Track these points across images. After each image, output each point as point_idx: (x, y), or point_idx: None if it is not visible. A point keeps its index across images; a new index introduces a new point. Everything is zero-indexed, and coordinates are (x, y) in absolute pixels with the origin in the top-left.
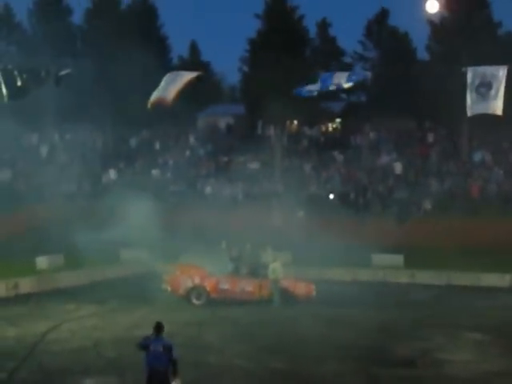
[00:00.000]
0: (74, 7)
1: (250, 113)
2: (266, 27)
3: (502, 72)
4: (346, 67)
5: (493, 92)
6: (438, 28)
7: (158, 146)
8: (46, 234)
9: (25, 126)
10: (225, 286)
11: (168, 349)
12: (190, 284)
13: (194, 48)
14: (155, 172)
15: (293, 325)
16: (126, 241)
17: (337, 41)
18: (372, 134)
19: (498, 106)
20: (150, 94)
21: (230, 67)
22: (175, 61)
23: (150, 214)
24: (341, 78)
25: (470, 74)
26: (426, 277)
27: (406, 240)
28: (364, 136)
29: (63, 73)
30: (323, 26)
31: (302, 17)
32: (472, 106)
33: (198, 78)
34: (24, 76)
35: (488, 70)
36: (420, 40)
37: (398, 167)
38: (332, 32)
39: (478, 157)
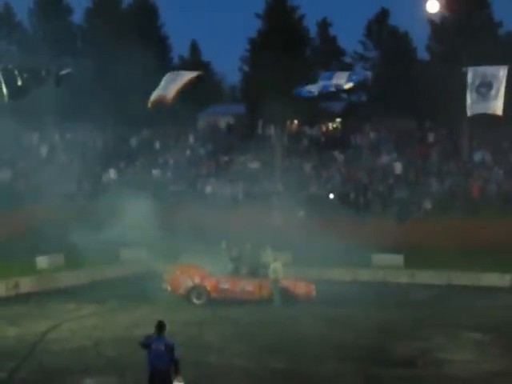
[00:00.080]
0: (74, 6)
1: (251, 112)
2: (266, 27)
3: (502, 72)
4: (347, 67)
5: (493, 92)
6: (439, 28)
7: (158, 145)
8: (46, 233)
9: (25, 125)
10: (225, 285)
11: (170, 348)
12: (190, 284)
13: (194, 48)
14: (155, 172)
15: (293, 325)
16: (126, 240)
17: (337, 41)
18: (372, 134)
19: (498, 106)
20: (150, 94)
21: (230, 67)
22: (175, 60)
23: (150, 213)
24: (341, 78)
25: (471, 73)
26: (426, 277)
27: (406, 240)
28: (364, 136)
29: (63, 72)
30: (323, 25)
31: (302, 16)
32: (472, 105)
33: (198, 78)
34: (24, 75)
35: (488, 69)
36: (420, 40)
37: (398, 167)
38: (332, 32)
39: (478, 157)
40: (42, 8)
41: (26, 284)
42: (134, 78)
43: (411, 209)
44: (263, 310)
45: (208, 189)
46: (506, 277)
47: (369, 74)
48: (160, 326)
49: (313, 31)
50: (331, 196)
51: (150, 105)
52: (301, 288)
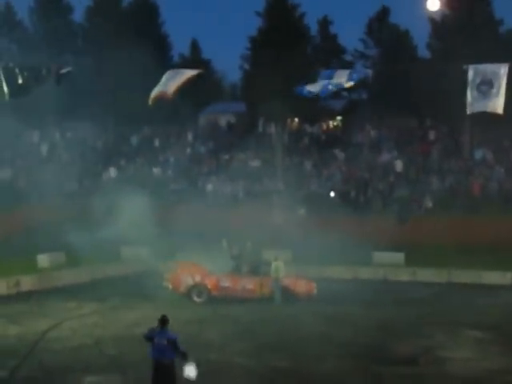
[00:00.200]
0: (74, 5)
1: (251, 110)
2: (266, 25)
3: (503, 70)
4: (347, 65)
5: (494, 90)
6: (439, 26)
7: (158, 143)
8: (47, 232)
9: (25, 123)
10: (226, 283)
11: (172, 342)
12: (190, 282)
13: (194, 46)
14: (156, 170)
15: (293, 323)
16: (127, 239)
17: (338, 39)
18: (373, 132)
19: (499, 105)
20: (150, 92)
21: (230, 65)
22: (176, 59)
23: (150, 211)
24: (341, 77)
25: (471, 71)
26: (426, 275)
27: (406, 238)
28: (365, 134)
29: (64, 71)
30: (324, 23)
31: (302, 14)
32: (473, 103)
33: (198, 75)
34: (25, 74)
35: (489, 67)
36: (421, 38)
37: (399, 165)
38: (333, 30)
39: (479, 155)
40: (42, 7)
41: (27, 282)
42: (134, 76)
43: (412, 207)
44: (264, 308)
45: (209, 187)
46: (507, 275)
47: (369, 72)
48: (163, 321)
49: (313, 29)
50: (332, 194)
51: (150, 102)
52: (301, 286)
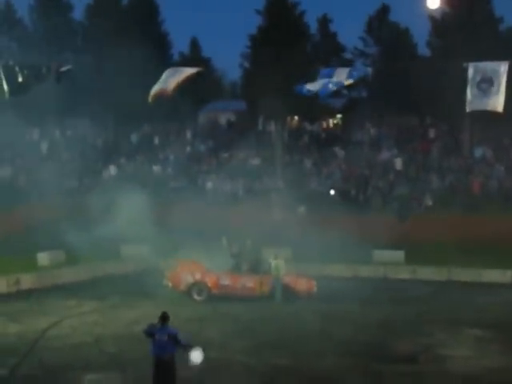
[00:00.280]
0: (74, 3)
1: (251, 109)
2: (266, 23)
3: (503, 68)
4: (347, 63)
5: (494, 88)
6: (439, 24)
7: (158, 141)
8: (47, 230)
9: (25, 122)
10: (226, 281)
11: (173, 337)
12: (191, 280)
13: (194, 44)
14: (156, 168)
15: (294, 321)
16: (127, 237)
17: (337, 37)
18: (373, 130)
19: (499, 103)
20: (150, 90)
21: (230, 63)
22: (176, 57)
23: (150, 209)
24: (341, 75)
25: (471, 69)
26: (427, 273)
27: (406, 236)
28: (365, 132)
29: (64, 69)
30: (324, 22)
31: (302, 13)
32: (472, 101)
33: (197, 74)
34: (25, 72)
35: (489, 65)
36: (421, 36)
37: (399, 163)
38: (333, 28)
39: (479, 153)
40: (42, 5)
41: (27, 280)
42: (134, 74)
43: (412, 205)
44: (264, 307)
45: (208, 185)
46: (507, 273)
47: (369, 70)
48: (163, 317)
49: (313, 27)
50: (332, 192)
51: (150, 99)
52: (302, 284)
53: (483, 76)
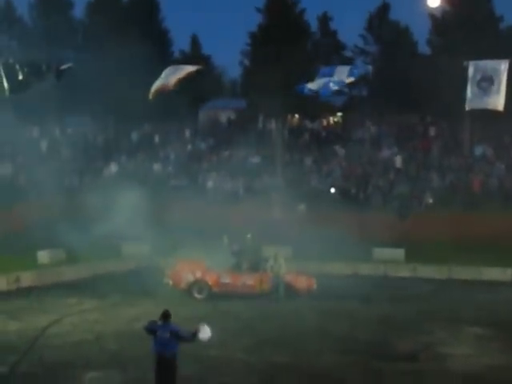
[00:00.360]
0: (74, 1)
1: (251, 107)
2: (266, 21)
3: (503, 66)
4: (347, 61)
5: (495, 87)
6: (440, 22)
7: (159, 139)
8: (47, 228)
9: (25, 120)
10: (226, 280)
11: (175, 333)
12: (191, 278)
13: (194, 42)
14: (156, 166)
15: (294, 319)
16: (127, 235)
17: (338, 35)
18: (373, 128)
19: (499, 102)
20: (151, 88)
21: (230, 61)
22: (176, 54)
23: (151, 208)
24: (342, 73)
25: (472, 68)
26: (427, 271)
27: (407, 234)
28: (365, 130)
29: (64, 67)
30: (324, 19)
31: (302, 11)
32: (473, 99)
33: (197, 71)
34: (25, 70)
35: (489, 64)
36: (421, 34)
37: (399, 161)
38: (333, 26)
39: (479, 151)
40: (42, 3)
41: (27, 278)
42: (134, 72)
43: (412, 203)
44: (264, 305)
45: (209, 183)
46: (507, 271)
47: (370, 68)
48: (165, 315)
49: (313, 25)
50: (332, 190)
51: (151, 96)
52: (302, 282)
53: (483, 75)
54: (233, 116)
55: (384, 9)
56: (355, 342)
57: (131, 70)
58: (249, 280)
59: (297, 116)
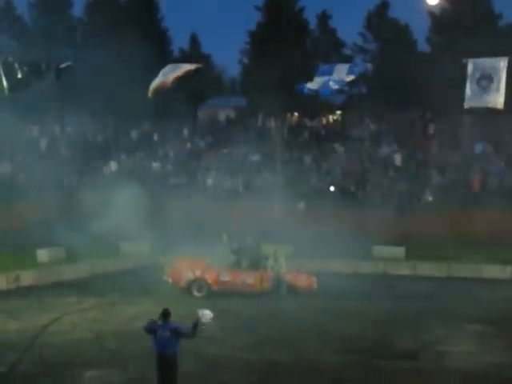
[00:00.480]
0: (74, 0)
1: (251, 105)
2: (266, 19)
3: (502, 64)
4: (346, 59)
5: (494, 85)
6: (439, 20)
7: (158, 138)
8: (47, 227)
9: (25, 118)
10: (226, 278)
11: (174, 331)
12: (191, 276)
13: (194, 40)
14: (156, 164)
15: (294, 317)
16: (126, 233)
17: (337, 33)
18: (372, 126)
19: (499, 100)
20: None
21: (230, 59)
22: (176, 53)
23: (150, 206)
24: (341, 71)
25: (471, 65)
26: (427, 269)
27: (406, 232)
28: (364, 128)
29: (63, 65)
30: (323, 17)
31: (302, 9)
32: (472, 98)
33: (196, 70)
34: (24, 69)
35: (488, 61)
36: (420, 32)
37: (399, 159)
38: (332, 24)
39: (478, 148)
40: (41, 2)
41: (27, 277)
42: (134, 70)
43: (412, 201)
44: (264, 303)
45: (208, 181)
46: (507, 269)
47: (369, 65)
48: (165, 314)
49: (312, 23)
50: (331, 188)
51: (150, 94)
52: (302, 281)
53: (483, 72)
54: (232, 114)
55: (383, 7)
56: (355, 341)
57: (130, 68)
58: (249, 278)
59: (296, 114)
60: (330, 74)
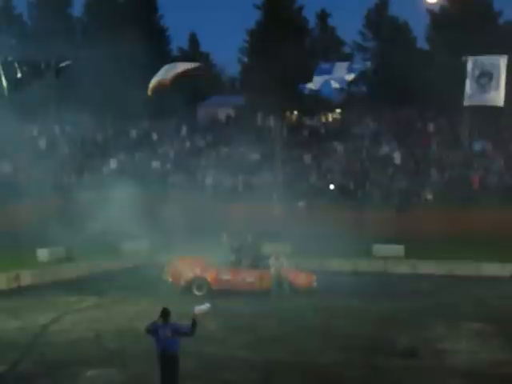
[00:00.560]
0: None
1: (250, 103)
2: (265, 18)
3: (502, 62)
4: (346, 57)
5: (493, 82)
6: (438, 18)
7: (157, 137)
8: (47, 226)
9: (24, 117)
10: (226, 277)
11: (176, 330)
12: (190, 275)
13: (193, 39)
14: (155, 163)
15: (294, 315)
16: (126, 232)
17: (336, 31)
18: (372, 124)
19: (499, 98)
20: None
21: (229, 58)
22: (175, 52)
23: (150, 205)
24: (341, 70)
25: (470, 63)
26: (426, 267)
27: (406, 230)
28: (364, 126)
29: (63, 64)
30: (322, 16)
31: (301, 7)
32: (472, 96)
33: (197, 70)
34: (24, 68)
35: (488, 59)
36: (420, 30)
37: (398, 157)
38: (331, 22)
39: (478, 146)
40: (41, 1)
41: (27, 277)
42: (133, 69)
43: (412, 199)
44: (264, 301)
45: (208, 180)
46: (506, 267)
47: (368, 64)
48: (165, 313)
49: (312, 22)
50: (331, 187)
51: (149, 92)
52: (301, 279)
53: (482, 70)
54: (232, 113)
55: (382, 5)
56: (355, 339)
57: (130, 67)
58: (248, 277)
59: (296, 113)
60: (329, 72)
